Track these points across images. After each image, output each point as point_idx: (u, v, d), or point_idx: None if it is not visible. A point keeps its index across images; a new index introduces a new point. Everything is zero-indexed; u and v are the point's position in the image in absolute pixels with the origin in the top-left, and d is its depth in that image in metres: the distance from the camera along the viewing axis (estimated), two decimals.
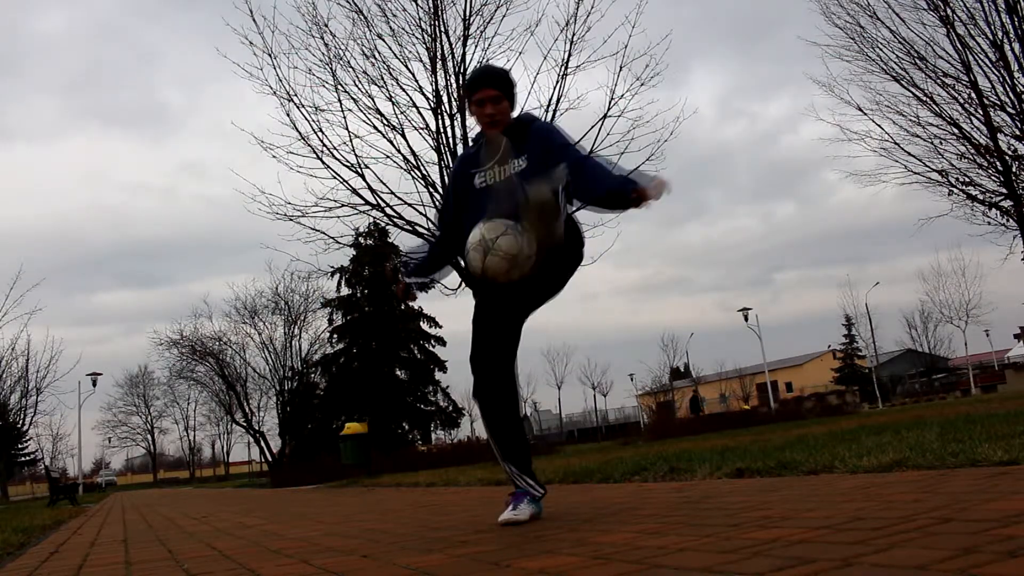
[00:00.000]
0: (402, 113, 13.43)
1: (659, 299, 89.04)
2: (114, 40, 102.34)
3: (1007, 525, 1.56)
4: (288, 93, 12.96)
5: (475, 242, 2.61)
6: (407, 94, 13.45)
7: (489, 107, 2.88)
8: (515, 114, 3.01)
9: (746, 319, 35.65)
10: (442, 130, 13.40)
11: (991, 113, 12.99)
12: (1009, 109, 12.86)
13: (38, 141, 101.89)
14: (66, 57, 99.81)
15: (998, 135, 12.99)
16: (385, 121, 13.40)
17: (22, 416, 29.74)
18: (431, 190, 13.58)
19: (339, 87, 13.12)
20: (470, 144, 3.10)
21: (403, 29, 13.21)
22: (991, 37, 12.80)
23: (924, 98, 13.38)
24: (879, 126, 13.90)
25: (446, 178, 13.44)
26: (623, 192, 2.62)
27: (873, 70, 13.74)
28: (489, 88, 2.89)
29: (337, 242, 13.72)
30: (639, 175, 2.73)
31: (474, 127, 3.16)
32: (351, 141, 13.17)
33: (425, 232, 13.69)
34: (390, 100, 13.40)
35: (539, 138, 2.91)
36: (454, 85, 13.43)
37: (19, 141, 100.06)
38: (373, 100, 13.35)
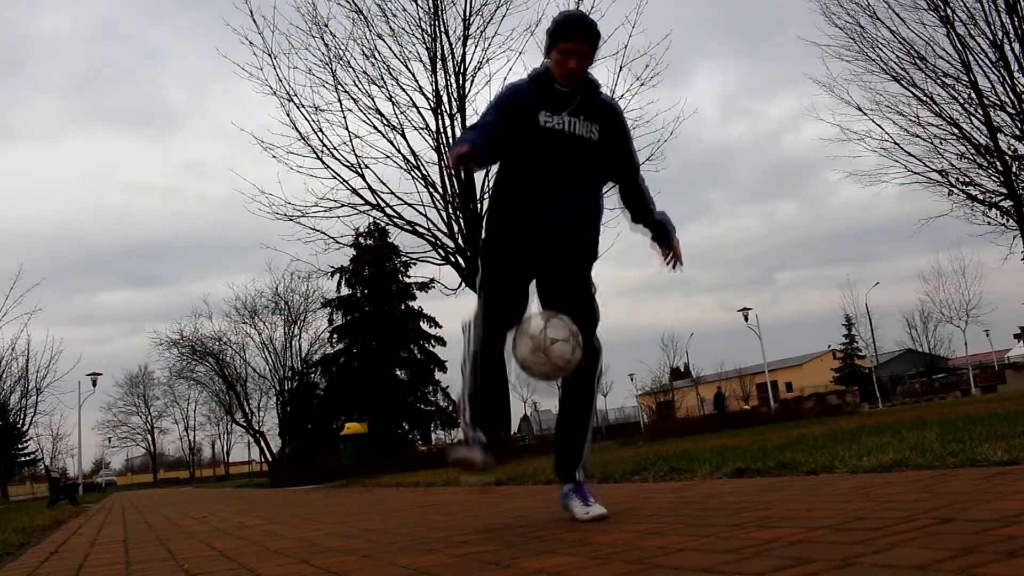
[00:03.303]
0: (402, 113, 13.46)
1: (660, 299, 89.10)
2: (117, 39, 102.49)
3: (1007, 525, 1.56)
4: (288, 93, 13.00)
5: (532, 348, 2.50)
6: (407, 94, 13.48)
7: (574, 61, 2.68)
8: None
9: (746, 319, 35.63)
10: (442, 130, 13.42)
11: (991, 113, 12.99)
12: (1009, 109, 12.86)
13: (41, 141, 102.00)
14: (69, 57, 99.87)
15: (998, 135, 13.00)
16: (385, 121, 13.42)
17: (22, 416, 29.70)
18: (431, 190, 13.59)
19: (339, 87, 13.16)
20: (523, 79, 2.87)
21: (403, 29, 13.24)
22: (991, 37, 12.81)
23: (924, 98, 13.40)
24: (879, 126, 13.94)
25: (446, 179, 13.45)
26: (669, 233, 2.97)
27: (873, 70, 13.78)
28: (584, 42, 2.69)
29: (337, 242, 13.75)
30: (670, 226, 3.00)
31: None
32: (351, 141, 13.21)
33: (425, 232, 13.71)
34: (390, 100, 13.43)
35: (611, 117, 2.85)
36: (454, 85, 13.45)
37: (22, 141, 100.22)
38: (373, 100, 13.38)
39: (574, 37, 2.69)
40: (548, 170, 2.72)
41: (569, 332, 2.50)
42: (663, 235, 2.96)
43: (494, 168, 2.93)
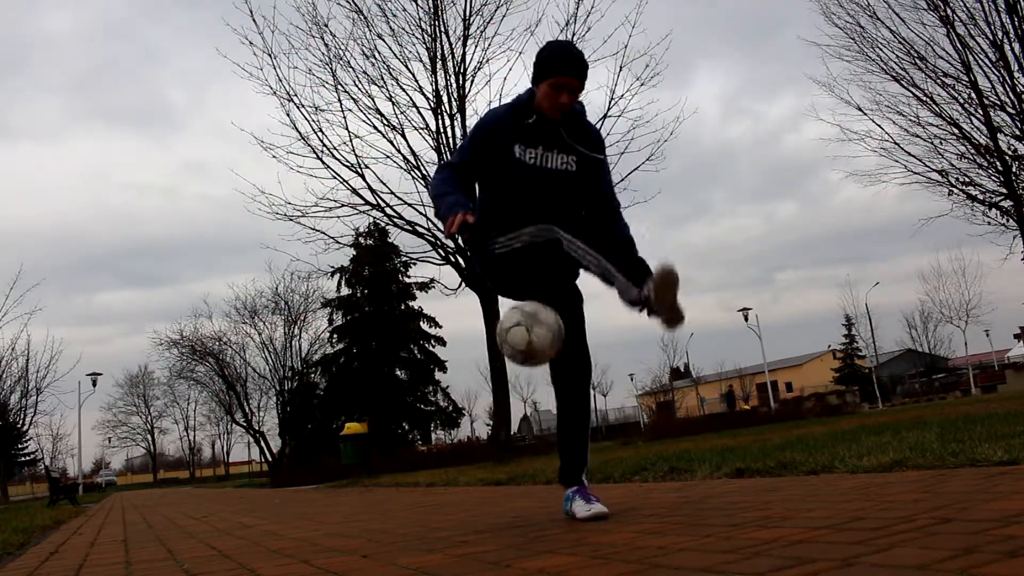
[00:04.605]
0: (402, 113, 13.46)
1: None
2: (117, 39, 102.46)
3: (1007, 525, 1.56)
4: (288, 93, 13.01)
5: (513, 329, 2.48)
6: (407, 94, 13.48)
7: (566, 96, 2.68)
8: None
9: (746, 319, 35.62)
10: (442, 130, 13.42)
11: (991, 113, 12.99)
12: (1009, 109, 12.86)
13: (41, 141, 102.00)
14: (69, 57, 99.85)
15: (998, 135, 13.00)
16: (385, 121, 13.42)
17: (22, 416, 29.65)
18: None
19: (339, 87, 13.16)
20: (504, 105, 2.87)
21: (403, 29, 13.25)
22: (991, 37, 12.81)
23: (924, 98, 13.40)
24: (879, 126, 13.94)
25: None
26: (644, 281, 2.66)
27: (873, 70, 13.78)
28: (577, 78, 2.69)
29: (337, 242, 13.77)
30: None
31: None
32: (351, 141, 13.22)
33: (425, 232, 13.71)
34: (390, 100, 13.43)
35: (594, 144, 2.84)
36: (454, 85, 13.45)
37: (23, 141, 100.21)
38: (373, 100, 13.39)
39: (569, 72, 2.68)
40: (522, 205, 2.72)
41: (521, 315, 2.46)
42: (638, 280, 2.72)
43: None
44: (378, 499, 6.36)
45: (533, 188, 2.73)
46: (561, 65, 2.69)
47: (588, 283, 2.95)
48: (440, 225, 3.01)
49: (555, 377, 2.80)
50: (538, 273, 2.71)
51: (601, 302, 2.88)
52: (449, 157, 14.76)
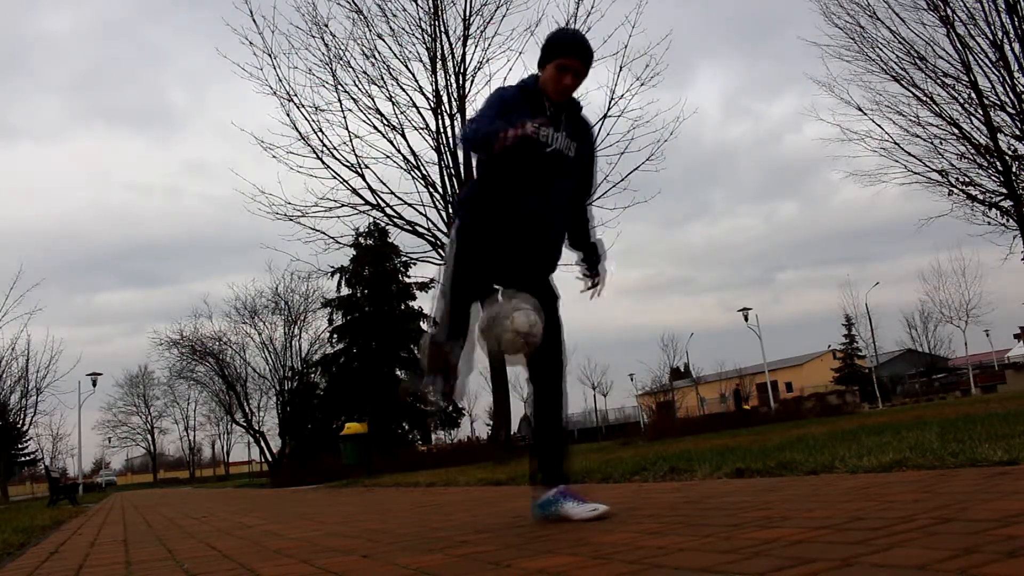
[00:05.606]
0: (402, 113, 13.44)
1: (661, 299, 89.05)
2: (118, 39, 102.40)
3: (1007, 525, 1.56)
4: (288, 93, 12.98)
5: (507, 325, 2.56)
6: (407, 94, 13.46)
7: (570, 78, 2.75)
8: None
9: (746, 319, 35.65)
10: (442, 130, 13.40)
11: (991, 113, 12.98)
12: (1009, 109, 12.85)
13: (41, 141, 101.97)
14: (69, 56, 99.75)
15: (998, 135, 12.98)
16: (385, 121, 13.40)
17: (22, 416, 29.66)
18: (431, 190, 13.57)
19: (339, 87, 13.14)
20: (510, 85, 2.93)
21: (403, 29, 13.22)
22: (991, 37, 12.80)
23: (924, 98, 13.38)
24: (879, 126, 13.91)
25: (446, 179, 13.46)
26: (599, 259, 3.02)
27: (873, 70, 13.76)
28: (580, 60, 2.76)
29: (337, 242, 13.75)
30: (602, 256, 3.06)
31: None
32: (351, 141, 13.19)
33: (425, 232, 13.71)
34: (390, 100, 13.41)
35: (587, 137, 2.95)
36: (454, 85, 13.43)
37: (24, 140, 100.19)
38: (373, 100, 13.37)
39: (573, 55, 2.75)
40: (527, 181, 2.75)
41: (533, 306, 2.58)
42: (593, 260, 3.03)
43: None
44: (378, 499, 6.36)
45: (536, 166, 2.76)
46: (566, 47, 2.78)
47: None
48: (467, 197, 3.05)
49: (529, 367, 2.81)
50: (503, 263, 2.78)
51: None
52: (449, 158, 14.54)
